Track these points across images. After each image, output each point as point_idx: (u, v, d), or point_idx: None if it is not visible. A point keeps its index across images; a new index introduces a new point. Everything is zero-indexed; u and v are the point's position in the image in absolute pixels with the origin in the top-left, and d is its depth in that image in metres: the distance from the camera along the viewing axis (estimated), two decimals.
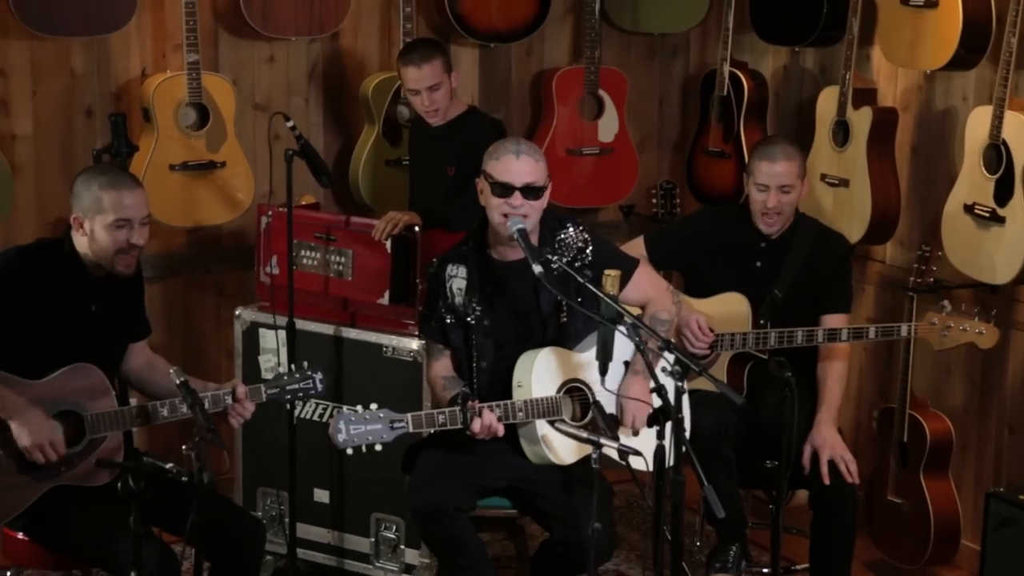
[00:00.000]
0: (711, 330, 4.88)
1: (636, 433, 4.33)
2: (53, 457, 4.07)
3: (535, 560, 4.58)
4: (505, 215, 4.28)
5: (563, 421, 4.27)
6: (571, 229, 4.48)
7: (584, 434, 4.07)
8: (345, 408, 4.31)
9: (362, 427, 4.11)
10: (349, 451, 4.13)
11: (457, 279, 4.45)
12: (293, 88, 5.95)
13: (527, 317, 4.44)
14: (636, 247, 5.17)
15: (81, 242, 4.23)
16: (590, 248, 4.46)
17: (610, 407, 4.37)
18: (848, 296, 5.14)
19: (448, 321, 4.44)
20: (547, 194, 4.38)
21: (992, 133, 4.97)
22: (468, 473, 4.36)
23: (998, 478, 5.37)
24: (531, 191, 4.31)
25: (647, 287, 4.58)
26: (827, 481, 4.75)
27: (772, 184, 4.98)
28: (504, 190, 4.30)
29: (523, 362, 4.36)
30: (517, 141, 4.43)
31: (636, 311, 4.51)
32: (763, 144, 5.18)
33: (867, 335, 5.03)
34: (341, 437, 4.09)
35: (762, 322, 4.99)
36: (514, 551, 4.60)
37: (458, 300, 4.43)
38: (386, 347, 5.05)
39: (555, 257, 4.31)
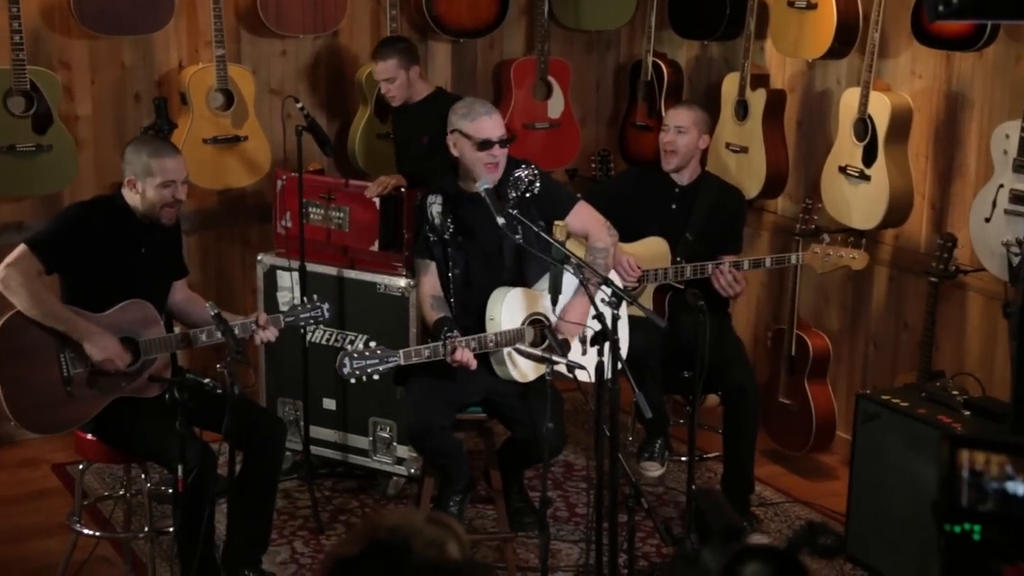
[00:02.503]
0: (639, 267, 4.92)
1: (585, 352, 4.31)
2: (119, 367, 4.08)
3: (500, 454, 4.63)
4: (491, 159, 4.30)
5: (523, 345, 4.29)
6: (524, 169, 4.49)
7: (538, 352, 4.11)
8: (348, 346, 4.30)
9: (362, 361, 4.12)
10: (352, 380, 4.13)
11: (435, 205, 4.47)
12: (301, 76, 5.92)
13: (491, 236, 4.43)
14: None
15: (133, 198, 4.22)
16: (537, 184, 4.48)
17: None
18: (739, 239, 5.16)
19: (431, 239, 4.46)
20: (512, 141, 4.42)
21: (860, 109, 5.00)
22: (448, 395, 4.38)
23: (865, 382, 5.43)
24: (505, 142, 4.34)
25: (587, 220, 4.57)
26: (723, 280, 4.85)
27: (670, 124, 5.08)
28: (486, 145, 4.30)
29: (495, 299, 4.37)
30: (481, 102, 4.45)
31: (580, 246, 4.54)
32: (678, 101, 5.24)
33: (764, 264, 5.09)
34: (346, 370, 4.10)
35: (678, 259, 5.03)
36: (484, 447, 4.63)
37: (437, 221, 4.45)
38: (379, 285, 5.05)
39: (515, 211, 4.30)
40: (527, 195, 4.43)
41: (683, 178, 5.14)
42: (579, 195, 4.80)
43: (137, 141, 4.38)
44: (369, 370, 4.13)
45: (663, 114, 5.99)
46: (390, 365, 4.16)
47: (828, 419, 5.31)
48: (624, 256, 4.91)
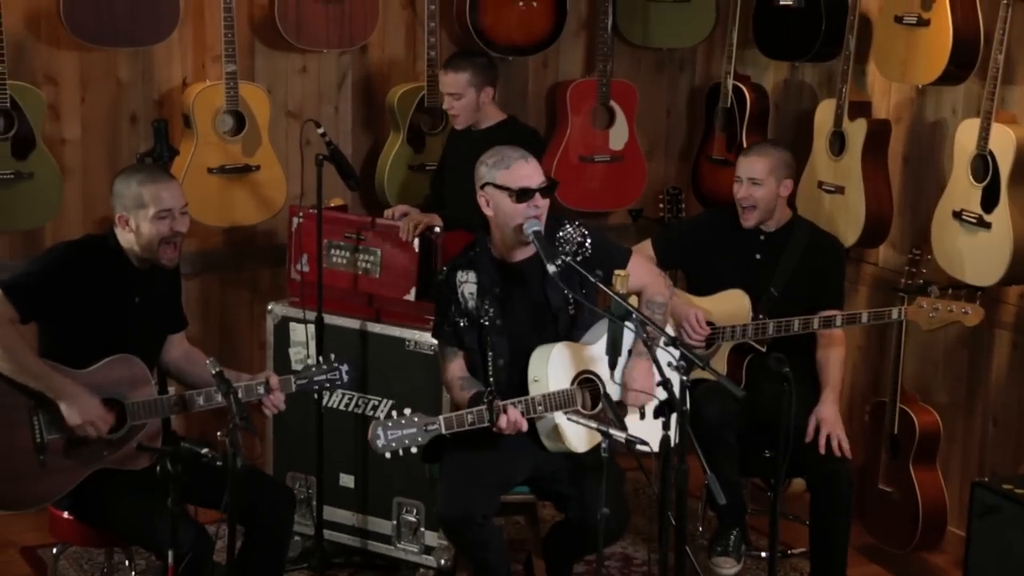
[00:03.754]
0: (710, 324, 4.89)
1: (643, 416, 4.31)
2: (102, 432, 4.07)
3: (546, 539, 4.59)
4: (532, 210, 4.26)
5: (576, 411, 4.26)
6: (568, 226, 4.47)
7: (595, 424, 4.07)
8: (370, 412, 4.28)
9: (398, 432, 4.09)
10: (387, 455, 4.10)
11: (468, 284, 4.42)
12: (324, 97, 5.94)
13: (538, 313, 4.42)
14: (644, 248, 5.18)
15: (127, 238, 4.23)
16: (589, 241, 4.46)
17: (617, 395, 4.37)
18: (840, 294, 5.15)
19: (461, 324, 4.41)
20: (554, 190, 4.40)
21: (980, 144, 4.94)
22: (491, 476, 4.34)
23: (982, 468, 5.35)
24: (546, 190, 4.31)
25: (642, 273, 4.55)
26: (823, 451, 4.81)
27: (743, 175, 5.09)
28: (526, 195, 4.28)
29: (537, 358, 4.34)
30: (512, 148, 4.38)
31: (633, 299, 4.52)
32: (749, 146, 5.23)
33: (860, 320, 5.04)
34: (380, 443, 4.07)
35: (760, 316, 4.99)
36: (528, 533, 4.59)
37: (471, 304, 4.40)
38: (408, 341, 5.04)
39: (566, 257, 4.30)
40: (579, 258, 4.40)
41: (770, 225, 5.14)
42: (630, 247, 4.79)
43: (126, 170, 4.41)
44: (407, 442, 4.10)
45: (744, 147, 5.97)
46: (431, 434, 4.13)
47: (938, 511, 5.22)
48: (691, 310, 4.88)
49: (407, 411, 4.15)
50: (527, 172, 4.30)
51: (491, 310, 4.38)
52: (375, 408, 5.05)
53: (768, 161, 5.08)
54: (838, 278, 5.17)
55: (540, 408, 4.27)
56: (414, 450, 4.13)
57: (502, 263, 4.43)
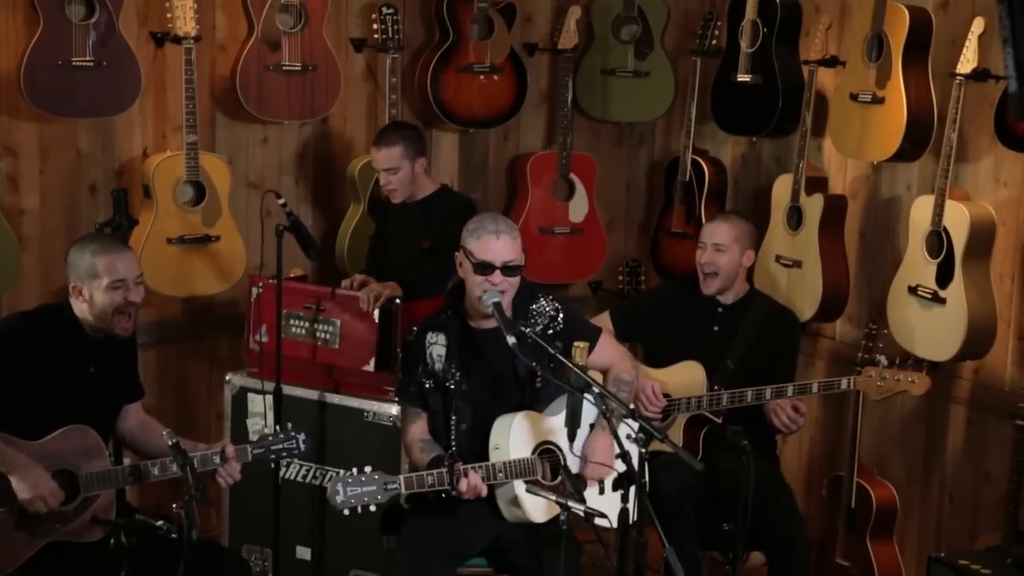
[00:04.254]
0: (666, 396, 4.89)
1: (602, 491, 4.29)
2: (52, 506, 4.01)
3: None
4: (489, 286, 4.26)
5: (537, 483, 4.23)
6: (542, 300, 4.48)
7: (554, 496, 4.04)
8: (342, 471, 4.26)
9: (358, 489, 4.06)
10: (346, 512, 4.07)
11: (437, 346, 4.40)
12: (284, 167, 5.93)
13: (503, 382, 4.40)
14: (603, 320, 5.17)
15: (81, 308, 4.20)
16: (561, 316, 4.46)
17: (578, 467, 4.34)
18: (792, 369, 5.14)
19: (427, 386, 4.39)
20: (522, 270, 4.36)
21: (934, 220, 4.96)
22: (449, 544, 4.31)
23: (939, 543, 5.34)
24: (509, 269, 4.28)
25: (610, 352, 4.59)
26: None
27: (707, 241, 5.12)
28: (485, 268, 4.27)
29: (500, 425, 4.32)
30: (495, 219, 4.37)
31: (598, 376, 4.50)
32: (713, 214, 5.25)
33: (811, 389, 5.03)
34: (339, 499, 4.04)
35: (716, 387, 4.98)
36: None
37: (438, 366, 4.38)
38: (367, 412, 5.01)
39: (527, 329, 4.28)
40: (550, 331, 4.39)
41: (728, 297, 5.15)
42: (598, 322, 4.81)
43: (81, 240, 4.39)
44: (366, 499, 4.06)
45: (703, 220, 5.99)
46: (390, 493, 4.10)
47: None
48: (647, 382, 4.89)
49: (367, 468, 4.11)
50: (494, 247, 4.28)
51: (457, 374, 4.36)
52: (331, 480, 4.99)
53: (733, 229, 5.11)
54: (792, 352, 5.20)
55: (500, 475, 4.24)
56: (372, 508, 4.08)
57: (472, 329, 4.41)
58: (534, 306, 4.45)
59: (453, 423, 4.35)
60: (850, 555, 5.24)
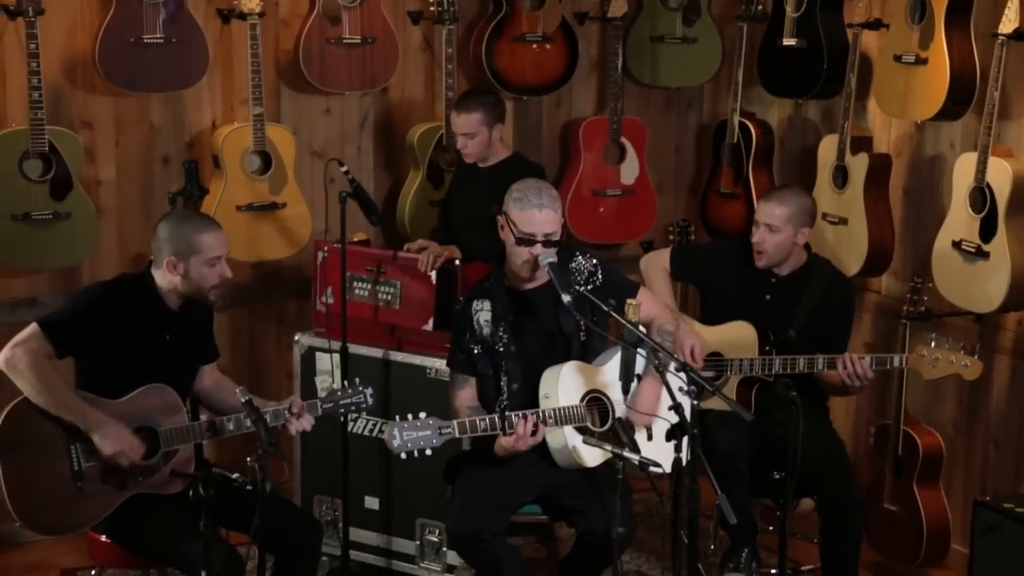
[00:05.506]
0: (717, 355, 4.88)
1: (650, 437, 4.32)
2: (134, 460, 4.10)
3: (565, 563, 4.58)
4: (530, 255, 4.31)
5: (591, 435, 4.26)
6: (580, 258, 4.51)
7: (609, 447, 4.08)
8: (397, 417, 4.32)
9: (414, 433, 4.13)
10: (403, 455, 4.14)
11: (483, 312, 4.46)
12: (347, 137, 5.99)
13: (550, 339, 4.45)
14: (662, 257, 5.19)
15: (171, 280, 4.27)
16: (599, 272, 4.50)
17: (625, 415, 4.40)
18: (846, 340, 5.11)
19: (475, 352, 4.44)
20: (562, 237, 4.41)
21: (977, 177, 4.96)
22: (501, 494, 4.37)
23: (984, 488, 5.34)
24: (550, 243, 4.33)
25: (650, 305, 4.59)
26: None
27: (761, 220, 5.02)
28: (524, 241, 4.32)
29: (548, 375, 4.37)
30: (539, 192, 4.38)
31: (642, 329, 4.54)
32: (771, 190, 5.20)
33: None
34: (396, 443, 4.11)
35: (768, 349, 4.98)
36: (545, 553, 4.59)
37: (486, 331, 4.43)
38: (429, 369, 5.07)
39: (579, 287, 4.33)
40: (590, 287, 4.43)
41: (783, 268, 5.08)
42: (658, 257, 4.92)
43: (173, 217, 4.47)
44: (422, 443, 4.13)
45: (750, 181, 6.00)
46: (444, 437, 4.17)
47: (941, 530, 5.21)
48: (688, 341, 4.81)
49: (422, 415, 4.18)
50: (536, 220, 4.32)
51: (505, 337, 4.41)
52: None
53: (787, 209, 4.97)
54: (847, 323, 5.13)
55: (551, 421, 4.29)
56: (428, 452, 4.15)
57: (515, 292, 4.46)
58: (572, 264, 4.49)
59: (504, 383, 4.41)
60: (897, 500, 5.26)
